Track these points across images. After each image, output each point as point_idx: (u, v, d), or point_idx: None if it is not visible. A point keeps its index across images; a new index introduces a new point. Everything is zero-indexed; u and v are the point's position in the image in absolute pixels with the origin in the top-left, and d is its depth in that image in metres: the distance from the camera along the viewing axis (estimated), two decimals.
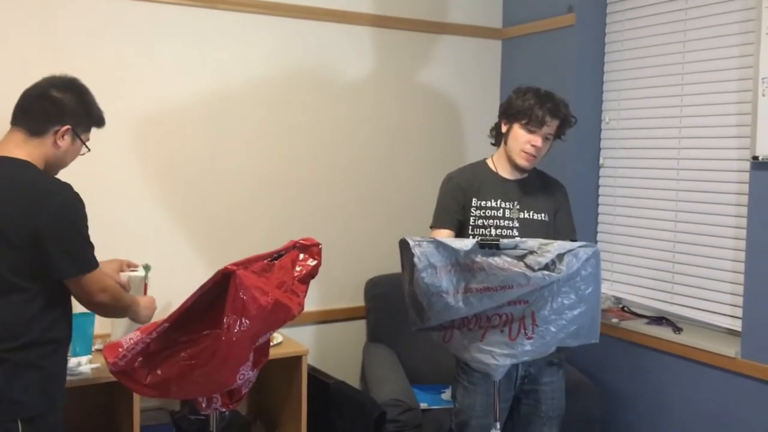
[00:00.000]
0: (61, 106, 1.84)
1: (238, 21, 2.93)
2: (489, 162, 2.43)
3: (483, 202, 2.34)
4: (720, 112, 2.71)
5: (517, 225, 2.32)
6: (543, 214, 2.35)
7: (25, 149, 1.81)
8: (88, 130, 1.94)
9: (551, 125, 2.28)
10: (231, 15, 2.91)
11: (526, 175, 2.38)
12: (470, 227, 2.33)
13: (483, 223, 2.32)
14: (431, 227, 2.41)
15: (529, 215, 2.34)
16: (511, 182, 2.37)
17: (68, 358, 2.05)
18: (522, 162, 2.31)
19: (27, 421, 1.74)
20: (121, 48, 2.71)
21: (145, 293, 2.38)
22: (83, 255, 1.80)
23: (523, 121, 2.27)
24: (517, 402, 2.38)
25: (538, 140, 2.27)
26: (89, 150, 1.96)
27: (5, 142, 1.83)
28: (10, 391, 1.73)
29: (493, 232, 2.30)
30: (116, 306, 1.94)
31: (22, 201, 1.75)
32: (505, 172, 2.38)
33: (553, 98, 2.30)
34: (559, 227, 2.38)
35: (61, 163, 1.91)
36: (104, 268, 2.31)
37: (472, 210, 2.34)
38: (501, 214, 2.33)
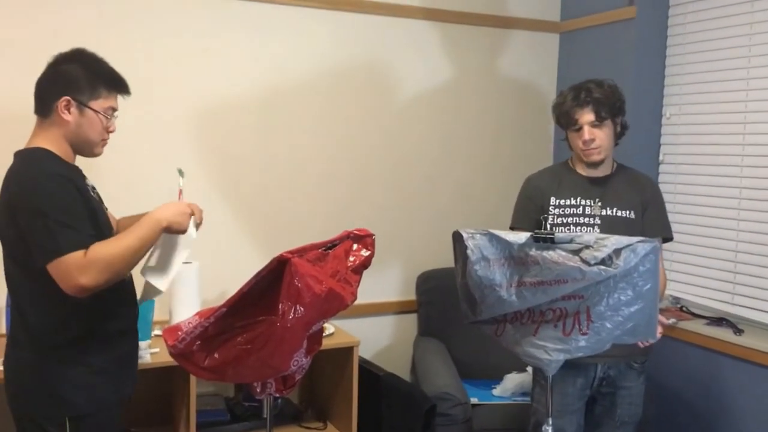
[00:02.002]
0: (57, 79, 1.74)
1: (294, 15, 2.97)
2: (569, 162, 2.37)
3: (562, 201, 2.28)
4: None
5: (598, 222, 2.23)
6: (628, 212, 2.25)
7: (42, 135, 1.76)
8: (97, 96, 1.76)
9: (585, 115, 2.20)
10: (286, 9, 2.95)
11: (609, 172, 2.31)
12: (549, 226, 2.27)
13: (562, 221, 2.25)
14: (510, 228, 2.39)
15: (612, 212, 2.24)
16: (593, 179, 2.29)
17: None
18: (587, 159, 2.26)
19: (74, 420, 1.73)
20: (177, 42, 2.78)
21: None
22: (45, 241, 1.63)
23: (564, 126, 2.28)
24: (593, 402, 2.33)
25: (584, 135, 2.21)
26: (110, 117, 1.80)
27: (31, 134, 1.79)
28: (57, 389, 1.72)
29: (572, 230, 2.22)
30: (113, 273, 1.66)
31: (3, 193, 1.71)
32: (584, 170, 2.31)
33: (575, 88, 2.23)
34: (648, 225, 2.25)
35: (83, 139, 1.77)
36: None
37: (550, 209, 2.28)
38: (581, 212, 2.25)
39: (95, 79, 1.76)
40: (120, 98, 1.85)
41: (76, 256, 1.62)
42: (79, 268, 1.61)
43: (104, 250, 1.66)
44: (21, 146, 1.80)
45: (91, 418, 1.77)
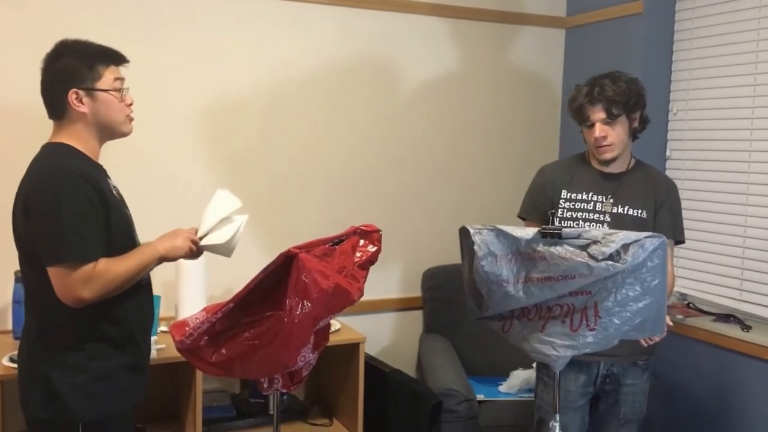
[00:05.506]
0: (56, 77, 1.73)
1: (300, 11, 2.97)
2: (586, 154, 2.34)
3: (573, 195, 2.26)
4: None
5: (608, 219, 2.21)
6: (640, 211, 2.22)
7: (63, 133, 1.75)
8: (98, 76, 1.74)
9: (596, 113, 2.17)
10: (293, 5, 2.95)
11: (624, 168, 2.27)
12: (558, 219, 2.25)
13: (572, 215, 2.24)
14: (518, 216, 2.39)
15: (623, 210, 2.22)
16: (608, 175, 2.26)
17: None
18: (600, 156, 2.23)
19: (87, 426, 1.73)
20: (184, 39, 2.78)
21: None
22: (53, 244, 1.64)
23: (578, 122, 2.25)
24: (597, 400, 2.32)
25: (595, 131, 2.19)
26: (122, 90, 1.78)
27: (51, 135, 1.78)
28: (66, 395, 1.70)
29: (581, 225, 2.20)
30: (111, 291, 1.68)
31: (21, 187, 1.72)
32: (598, 164, 2.28)
33: (589, 83, 2.19)
34: (658, 226, 2.20)
35: (107, 122, 1.77)
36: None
37: (561, 202, 2.27)
38: (591, 207, 2.23)
39: (89, 60, 1.74)
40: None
41: (86, 269, 1.63)
42: (85, 280, 1.63)
43: (111, 268, 1.67)
44: (28, 144, 1.80)
45: (104, 425, 1.76)
